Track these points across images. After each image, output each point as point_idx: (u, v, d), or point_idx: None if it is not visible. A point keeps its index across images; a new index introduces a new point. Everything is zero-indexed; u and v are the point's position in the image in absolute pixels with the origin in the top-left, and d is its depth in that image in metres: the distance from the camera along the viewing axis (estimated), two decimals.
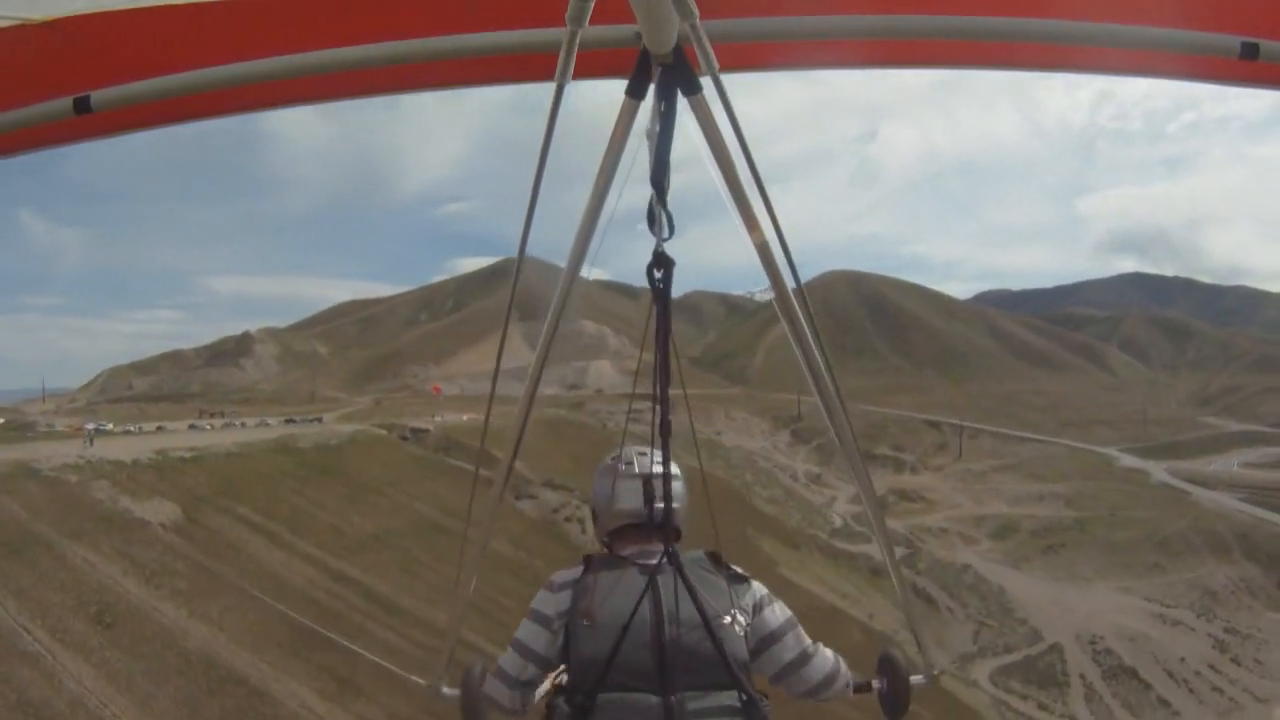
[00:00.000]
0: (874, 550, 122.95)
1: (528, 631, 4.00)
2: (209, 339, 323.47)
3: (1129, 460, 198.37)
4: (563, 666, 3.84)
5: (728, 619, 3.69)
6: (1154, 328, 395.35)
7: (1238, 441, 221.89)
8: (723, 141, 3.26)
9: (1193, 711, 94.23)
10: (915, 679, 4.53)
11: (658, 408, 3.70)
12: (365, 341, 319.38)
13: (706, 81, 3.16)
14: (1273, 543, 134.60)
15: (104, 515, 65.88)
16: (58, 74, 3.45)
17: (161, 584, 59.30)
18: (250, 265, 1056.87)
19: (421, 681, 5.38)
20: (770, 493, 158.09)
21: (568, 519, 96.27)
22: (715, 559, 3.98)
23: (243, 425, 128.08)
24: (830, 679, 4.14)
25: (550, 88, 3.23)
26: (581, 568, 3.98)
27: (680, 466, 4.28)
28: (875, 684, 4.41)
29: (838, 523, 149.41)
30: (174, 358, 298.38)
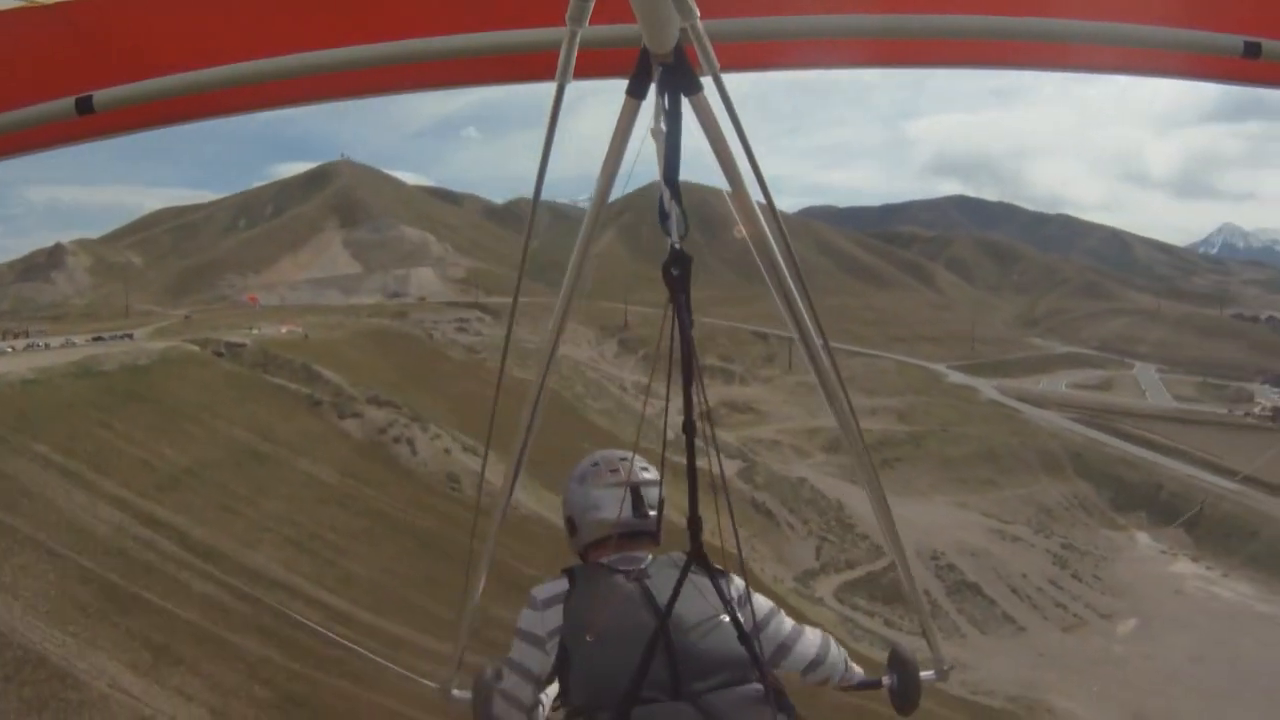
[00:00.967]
0: (708, 465, 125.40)
1: (522, 653, 3.84)
2: (24, 252, 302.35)
3: (958, 377, 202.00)
4: (558, 688, 3.78)
5: (721, 617, 3.57)
6: (980, 249, 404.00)
7: (1063, 363, 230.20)
8: (724, 141, 3.28)
9: (1037, 626, 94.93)
10: (925, 674, 4.58)
11: (671, 408, 3.71)
12: (182, 251, 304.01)
13: (707, 81, 3.14)
14: (1104, 462, 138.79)
15: None
16: (60, 73, 3.45)
17: None
18: (67, 174, 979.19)
19: (431, 685, 5.27)
20: (601, 405, 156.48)
21: (396, 439, 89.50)
22: (694, 556, 3.78)
23: (46, 346, 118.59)
24: (820, 659, 4.07)
25: (551, 88, 3.24)
26: (564, 581, 3.85)
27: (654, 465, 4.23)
28: (885, 680, 4.46)
29: (670, 435, 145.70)
30: None
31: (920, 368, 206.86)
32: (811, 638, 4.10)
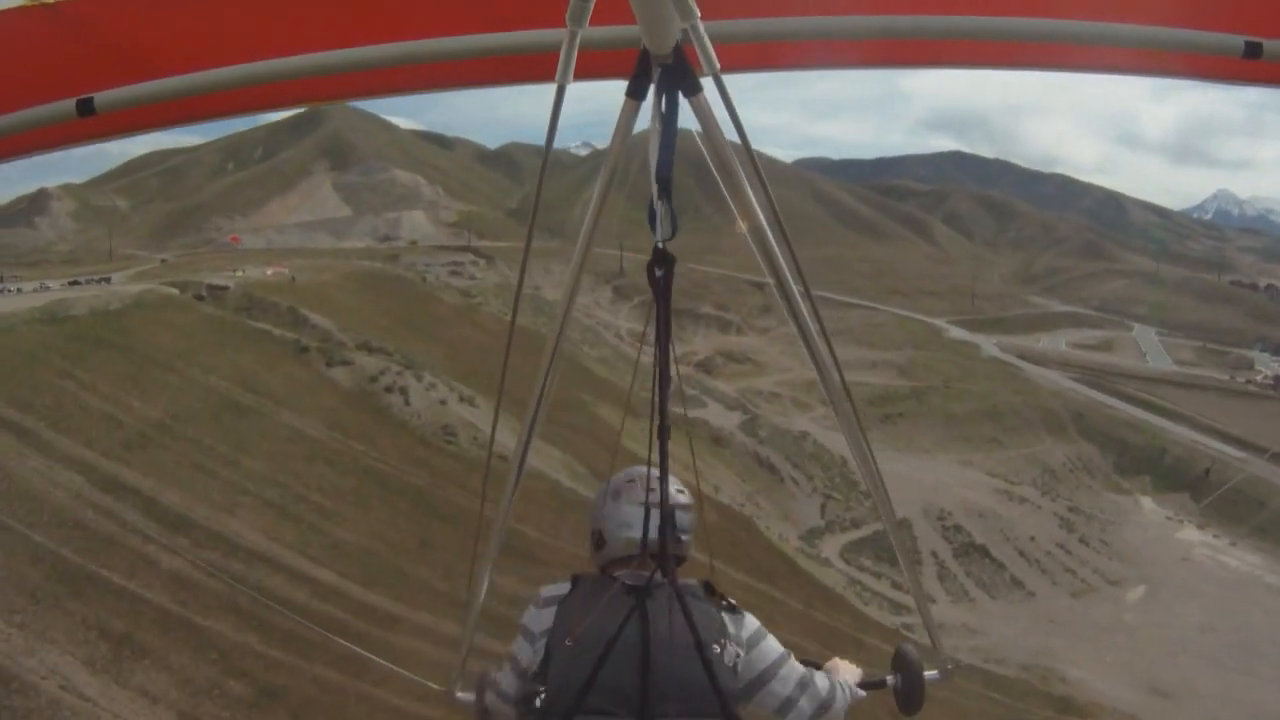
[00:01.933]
0: (710, 416, 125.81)
1: (518, 648, 3.91)
2: (6, 199, 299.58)
3: (958, 332, 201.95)
4: (542, 689, 3.66)
5: (717, 648, 3.54)
6: (977, 205, 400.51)
7: (1063, 322, 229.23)
8: (724, 141, 3.38)
9: (1046, 592, 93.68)
10: (930, 674, 4.62)
11: (655, 413, 3.68)
12: (168, 194, 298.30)
13: (707, 81, 3.21)
14: (1107, 424, 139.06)
15: None
16: (61, 74, 3.47)
17: None
18: None
19: (436, 686, 5.38)
20: (599, 352, 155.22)
21: (389, 389, 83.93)
22: (709, 588, 3.80)
23: (18, 291, 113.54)
24: (828, 702, 3.95)
25: (551, 88, 3.30)
26: (569, 584, 3.90)
27: (687, 486, 4.21)
28: (890, 679, 4.50)
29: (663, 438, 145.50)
30: None
31: (920, 322, 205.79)
32: (821, 684, 3.88)
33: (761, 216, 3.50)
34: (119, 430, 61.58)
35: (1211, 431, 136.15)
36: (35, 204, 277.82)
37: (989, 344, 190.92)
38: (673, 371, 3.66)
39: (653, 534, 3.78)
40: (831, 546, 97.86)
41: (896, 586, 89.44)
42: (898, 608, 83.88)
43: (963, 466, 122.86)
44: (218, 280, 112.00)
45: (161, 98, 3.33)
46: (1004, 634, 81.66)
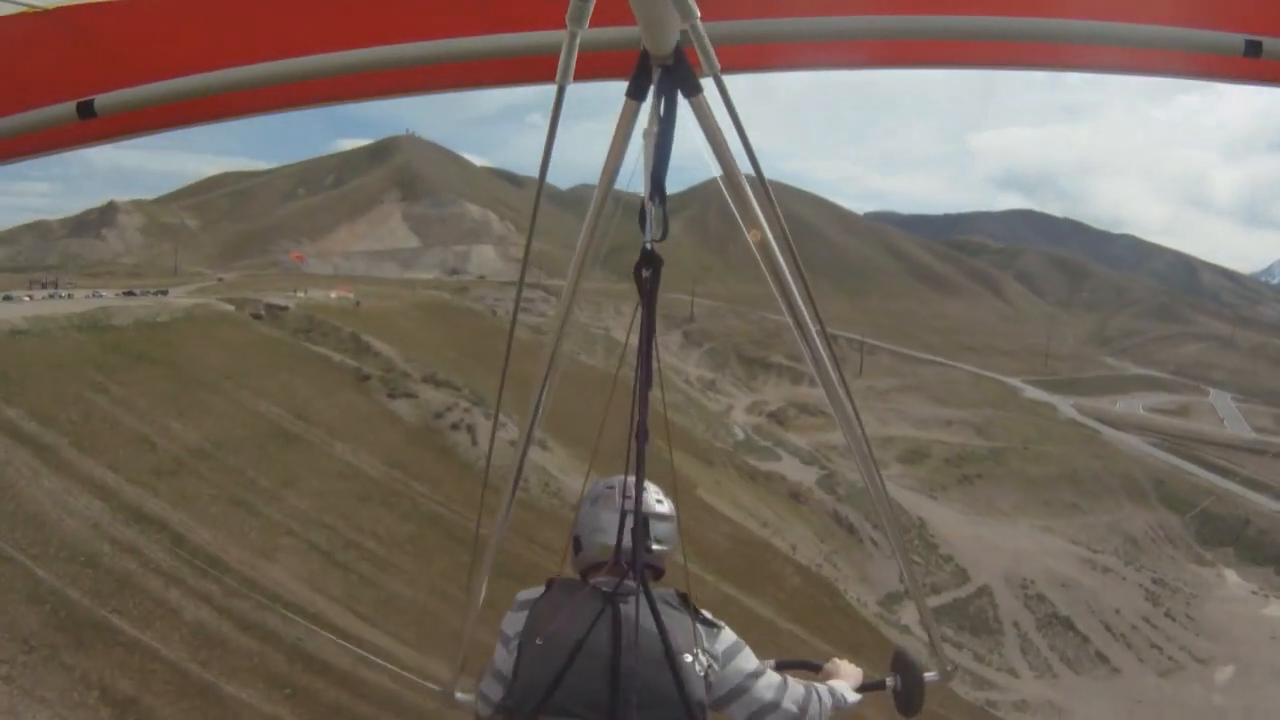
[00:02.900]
0: (786, 470, 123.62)
1: (498, 652, 3.88)
2: (76, 210, 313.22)
3: (1034, 392, 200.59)
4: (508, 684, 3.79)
5: (689, 657, 3.52)
6: (1049, 263, 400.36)
7: (1138, 385, 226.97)
8: (724, 142, 3.33)
9: (1132, 669, 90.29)
10: (929, 676, 4.64)
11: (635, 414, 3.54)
12: (238, 215, 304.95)
13: (707, 82, 3.21)
14: (1189, 491, 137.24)
15: None
16: (62, 77, 3.52)
17: None
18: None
19: (435, 687, 5.45)
20: (670, 398, 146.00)
21: (454, 425, 77.89)
22: (683, 599, 3.78)
23: (69, 296, 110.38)
24: (803, 709, 3.88)
25: (551, 89, 3.30)
26: (544, 587, 3.87)
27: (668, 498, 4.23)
28: (889, 682, 4.55)
29: (739, 435, 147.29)
30: (37, 228, 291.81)
31: (995, 380, 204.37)
32: (797, 691, 3.85)
33: (761, 217, 3.46)
34: (151, 454, 55.41)
35: None
36: (104, 216, 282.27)
37: (1065, 405, 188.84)
38: (655, 374, 3.53)
39: (627, 541, 3.74)
40: (911, 612, 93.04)
41: (979, 659, 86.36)
42: (981, 683, 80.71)
43: (1044, 533, 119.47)
44: (277, 299, 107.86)
45: (161, 100, 3.35)
46: (1090, 713, 78.68)
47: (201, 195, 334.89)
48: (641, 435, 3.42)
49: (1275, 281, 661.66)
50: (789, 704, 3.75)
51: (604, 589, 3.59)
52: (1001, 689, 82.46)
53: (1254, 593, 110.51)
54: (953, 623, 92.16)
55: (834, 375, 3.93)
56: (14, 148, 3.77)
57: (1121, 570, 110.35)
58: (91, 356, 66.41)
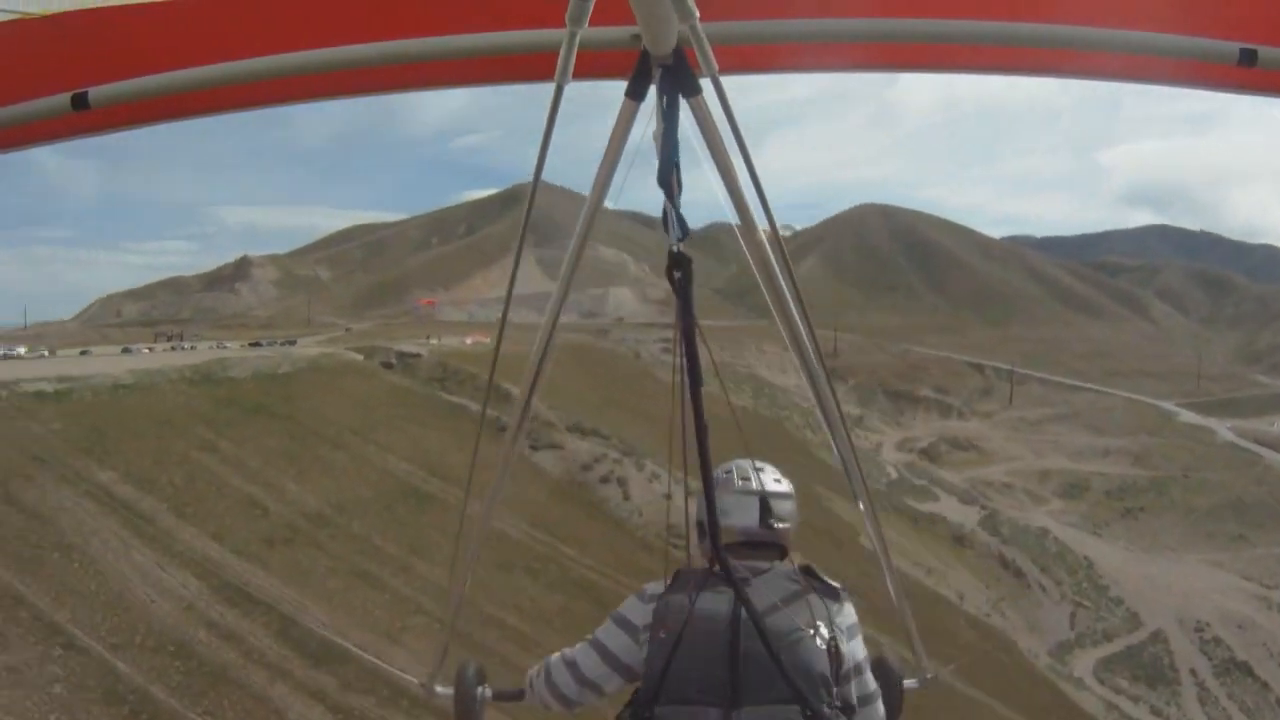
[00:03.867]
0: (945, 511, 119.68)
1: (609, 634, 3.97)
2: (211, 266, 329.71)
3: (1189, 416, 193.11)
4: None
5: (810, 630, 3.64)
6: (1190, 279, 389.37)
7: None
8: (722, 143, 3.38)
9: None
10: (909, 683, 4.60)
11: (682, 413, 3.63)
12: (371, 266, 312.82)
13: (706, 83, 3.26)
14: None
15: None
16: (55, 70, 3.54)
17: None
18: (262, 197, 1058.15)
19: (414, 680, 5.42)
20: (821, 438, 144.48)
21: (604, 479, 75.17)
22: (808, 571, 3.92)
23: (191, 348, 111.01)
24: (889, 715, 4.08)
25: (550, 88, 3.37)
26: (670, 580, 3.93)
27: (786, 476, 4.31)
28: None
29: (892, 474, 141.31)
30: (173, 284, 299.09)
31: (1149, 405, 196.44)
32: (878, 709, 3.96)
33: (757, 216, 3.52)
34: (262, 520, 52.31)
35: None
36: (238, 271, 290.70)
37: (1223, 428, 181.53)
38: (704, 370, 3.51)
39: (758, 521, 3.92)
40: (1084, 664, 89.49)
41: (1156, 713, 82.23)
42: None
43: (1213, 568, 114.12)
44: (409, 347, 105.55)
45: (156, 93, 3.33)
46: None
47: (334, 248, 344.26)
48: (702, 431, 3.40)
49: None
50: (879, 703, 3.88)
51: (722, 574, 3.57)
52: None
53: None
54: (1127, 672, 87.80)
55: (823, 377, 3.99)
56: (8, 138, 3.69)
57: None
58: (202, 411, 63.93)
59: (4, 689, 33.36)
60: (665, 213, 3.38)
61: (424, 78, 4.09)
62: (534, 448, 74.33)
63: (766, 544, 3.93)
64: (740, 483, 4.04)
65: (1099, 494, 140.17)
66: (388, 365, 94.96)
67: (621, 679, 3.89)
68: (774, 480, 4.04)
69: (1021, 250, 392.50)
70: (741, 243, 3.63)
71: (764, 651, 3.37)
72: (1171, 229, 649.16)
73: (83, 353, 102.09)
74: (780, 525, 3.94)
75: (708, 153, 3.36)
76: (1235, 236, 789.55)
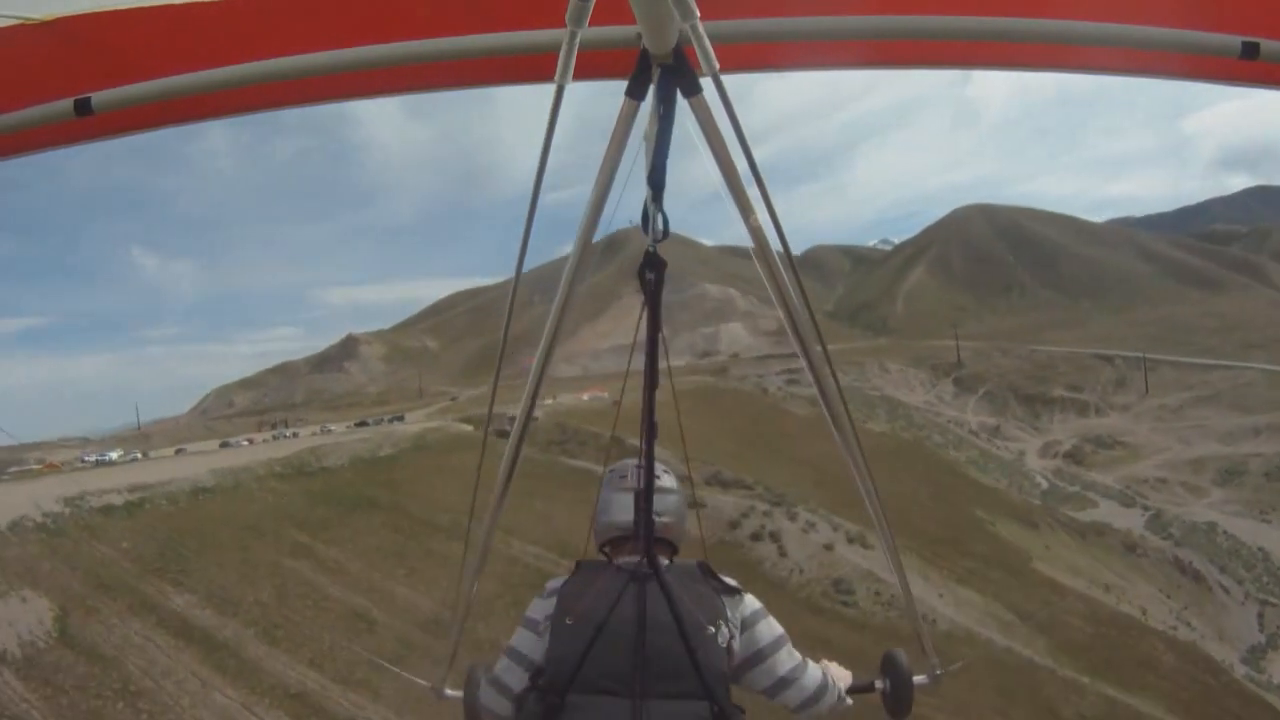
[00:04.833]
0: (1109, 518, 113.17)
1: (520, 638, 3.99)
2: (319, 348, 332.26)
3: None
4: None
5: (710, 629, 3.65)
6: None
7: None
8: (723, 142, 3.32)
9: None
10: (919, 679, 4.61)
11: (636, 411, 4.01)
12: (477, 331, 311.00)
13: (706, 82, 3.20)
14: None
15: None
16: (58, 75, 3.48)
17: None
18: (363, 275, 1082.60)
19: (424, 683, 5.44)
20: (967, 455, 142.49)
21: (756, 536, 68.16)
22: (706, 570, 3.93)
23: (294, 435, 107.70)
24: (818, 695, 4.03)
25: (550, 88, 3.31)
26: (570, 572, 4.02)
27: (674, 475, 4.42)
28: (878, 684, 4.51)
29: (1043, 483, 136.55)
30: (282, 370, 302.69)
31: None
32: (815, 672, 3.97)
33: (759, 216, 3.47)
34: (368, 634, 46.73)
35: None
36: (345, 349, 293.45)
37: None
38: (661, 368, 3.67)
39: (632, 518, 3.98)
40: None
41: None
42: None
43: None
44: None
45: (159, 97, 3.31)
46: None
47: (438, 316, 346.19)
48: (650, 430, 3.56)
49: None
50: (807, 683, 3.85)
51: (627, 567, 3.71)
52: None
53: None
54: None
55: (829, 375, 3.89)
56: (12, 145, 3.65)
57: None
58: (293, 511, 58.87)
59: None
60: (646, 212, 3.43)
61: (424, 79, 3.97)
62: None
63: (644, 538, 3.80)
64: (619, 480, 4.19)
65: (1258, 477, 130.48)
66: (502, 433, 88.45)
67: (530, 675, 3.80)
68: (654, 476, 3.86)
69: (1128, 231, 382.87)
70: (748, 235, 3.49)
71: (668, 646, 3.43)
72: (1271, 189, 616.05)
73: (178, 451, 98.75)
74: (659, 520, 3.92)
75: (708, 151, 3.26)
76: None
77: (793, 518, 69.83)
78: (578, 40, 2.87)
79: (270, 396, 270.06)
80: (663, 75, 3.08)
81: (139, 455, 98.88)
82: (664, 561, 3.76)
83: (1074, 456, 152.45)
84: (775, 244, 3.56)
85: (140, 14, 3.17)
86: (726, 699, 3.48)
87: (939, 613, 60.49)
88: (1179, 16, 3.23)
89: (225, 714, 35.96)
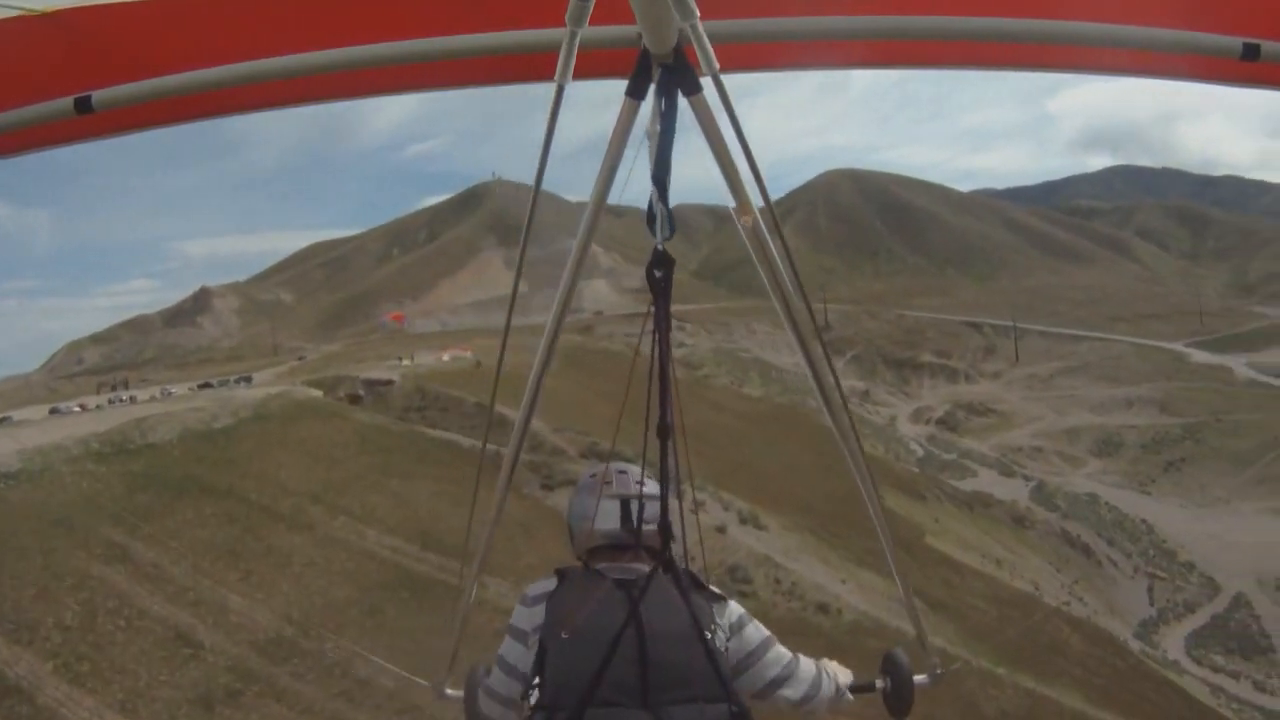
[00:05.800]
0: (990, 486, 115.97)
1: (509, 648, 4.03)
2: (170, 303, 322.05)
3: (1201, 356, 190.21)
4: (537, 682, 3.82)
5: (709, 634, 3.69)
6: (1167, 216, 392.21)
7: None
8: (723, 141, 3.40)
9: None
10: (919, 678, 4.72)
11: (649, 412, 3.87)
12: (334, 285, 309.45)
13: (706, 81, 3.27)
14: None
15: None
16: (58, 73, 3.58)
17: None
18: (222, 226, 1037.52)
19: (424, 683, 5.50)
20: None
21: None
22: (694, 578, 3.95)
23: (131, 400, 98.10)
24: (813, 691, 4.13)
25: (550, 88, 3.42)
26: (554, 580, 4.01)
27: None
28: (878, 683, 4.62)
29: (918, 450, 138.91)
30: (135, 324, 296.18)
31: (1157, 349, 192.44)
32: (809, 667, 4.07)
33: (759, 216, 3.54)
34: (194, 663, 39.97)
35: None
36: (199, 303, 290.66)
37: (1239, 365, 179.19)
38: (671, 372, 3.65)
39: (619, 524, 4.00)
40: (1173, 641, 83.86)
41: (1260, 688, 74.06)
42: (1274, 717, 67.21)
43: (1272, 516, 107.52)
44: (378, 373, 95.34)
45: (159, 95, 3.40)
46: None
47: (294, 269, 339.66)
48: (664, 430, 3.54)
49: None
50: (800, 680, 3.94)
51: (618, 576, 3.71)
52: None
53: None
54: (1219, 646, 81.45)
55: (827, 370, 3.97)
56: (11, 143, 3.75)
57: None
58: (110, 500, 51.87)
59: None
60: (652, 210, 3.43)
61: (424, 78, 4.11)
62: (547, 487, 62.22)
63: (632, 547, 3.95)
64: (603, 487, 4.11)
65: (1134, 448, 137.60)
66: (355, 399, 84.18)
67: (523, 688, 3.77)
68: (636, 484, 4.07)
69: (994, 202, 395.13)
70: (743, 236, 3.53)
71: (674, 654, 3.44)
72: (1132, 168, 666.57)
73: (1, 420, 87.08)
74: (647, 528, 3.97)
75: (708, 149, 3.35)
76: (1196, 170, 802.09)
77: (678, 495, 63.97)
78: (578, 40, 2.97)
79: (122, 352, 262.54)
80: (663, 75, 3.12)
81: None
82: (649, 569, 3.70)
83: (947, 423, 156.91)
84: (776, 245, 3.57)
85: (141, 9, 3.20)
86: (741, 698, 3.50)
87: (844, 601, 57.58)
88: (1180, 17, 3.32)
89: None
